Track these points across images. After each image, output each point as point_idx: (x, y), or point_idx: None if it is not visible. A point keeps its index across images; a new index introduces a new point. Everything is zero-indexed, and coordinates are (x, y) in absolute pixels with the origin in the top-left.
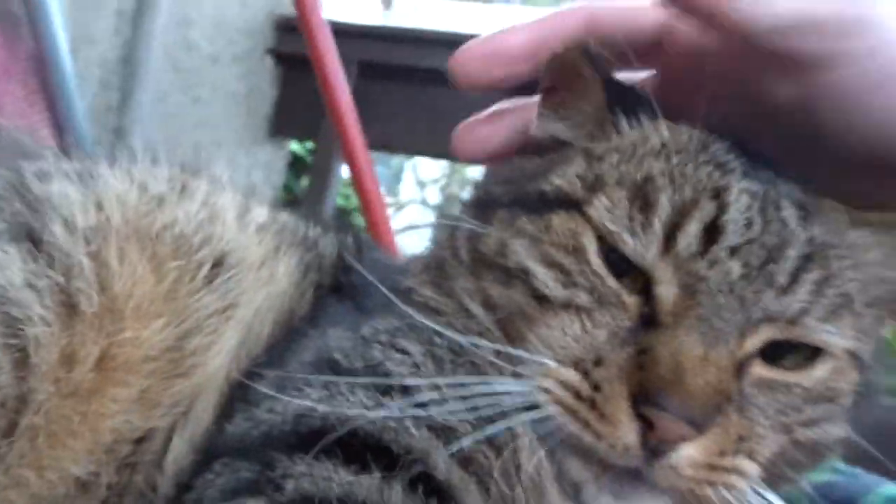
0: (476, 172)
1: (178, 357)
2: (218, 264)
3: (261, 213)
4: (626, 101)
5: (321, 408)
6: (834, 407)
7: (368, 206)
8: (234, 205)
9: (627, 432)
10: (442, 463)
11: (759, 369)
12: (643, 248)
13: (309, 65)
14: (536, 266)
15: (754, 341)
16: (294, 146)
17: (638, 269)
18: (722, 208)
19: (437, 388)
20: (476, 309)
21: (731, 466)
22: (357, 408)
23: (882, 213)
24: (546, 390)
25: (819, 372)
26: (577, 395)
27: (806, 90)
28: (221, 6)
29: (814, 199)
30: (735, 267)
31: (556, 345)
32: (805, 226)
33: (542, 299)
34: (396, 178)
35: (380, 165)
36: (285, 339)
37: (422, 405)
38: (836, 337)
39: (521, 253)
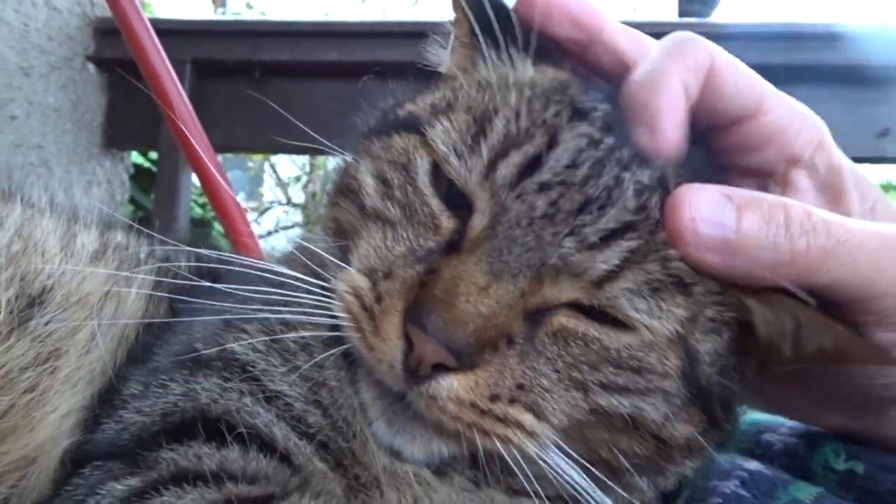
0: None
1: None
2: (32, 304)
3: (90, 238)
4: (498, 34)
5: (182, 403)
6: (640, 380)
7: (223, 212)
8: (56, 232)
9: (393, 348)
10: (279, 433)
11: (563, 319)
12: (467, 171)
13: (137, 69)
14: (367, 179)
15: (555, 291)
16: (138, 157)
17: (466, 199)
18: (552, 145)
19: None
20: (326, 241)
21: (505, 415)
22: (210, 395)
23: None
24: (340, 295)
25: (627, 338)
26: (363, 304)
27: None
28: (25, 13)
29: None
30: (540, 203)
31: (362, 254)
32: (644, 197)
33: (362, 210)
34: (256, 181)
35: (236, 169)
36: (152, 336)
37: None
38: (647, 316)
39: (363, 170)
